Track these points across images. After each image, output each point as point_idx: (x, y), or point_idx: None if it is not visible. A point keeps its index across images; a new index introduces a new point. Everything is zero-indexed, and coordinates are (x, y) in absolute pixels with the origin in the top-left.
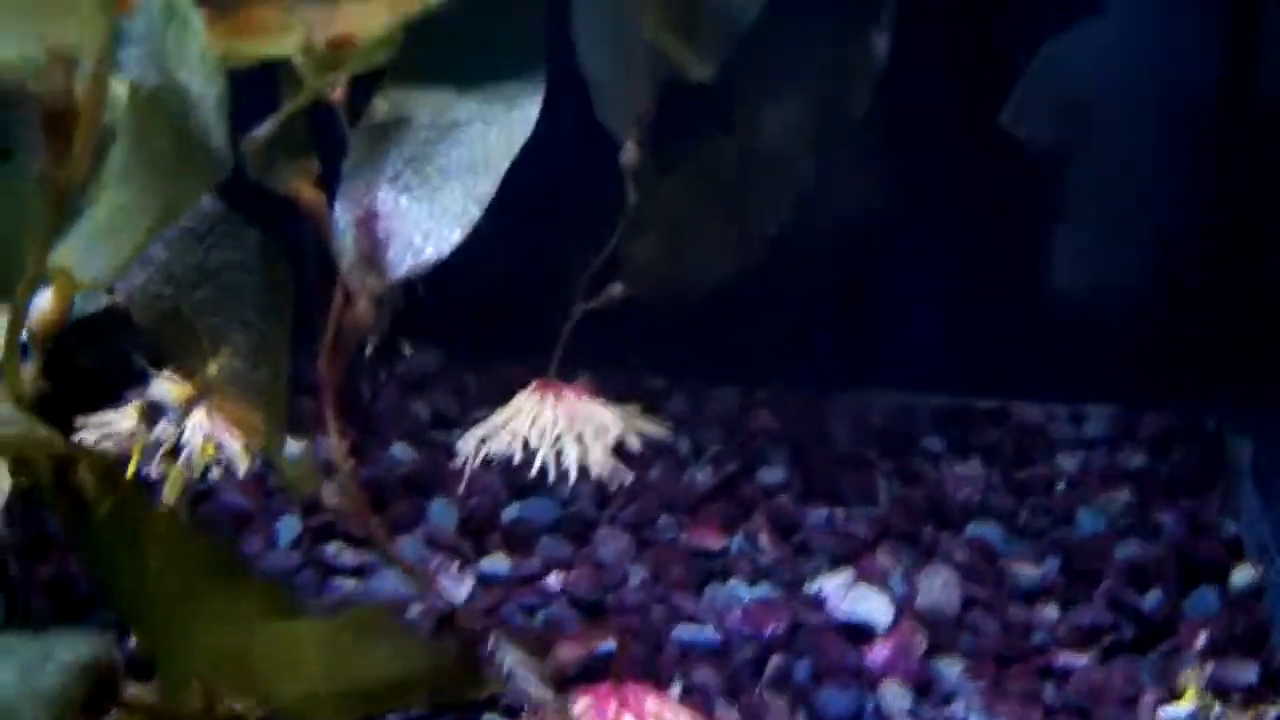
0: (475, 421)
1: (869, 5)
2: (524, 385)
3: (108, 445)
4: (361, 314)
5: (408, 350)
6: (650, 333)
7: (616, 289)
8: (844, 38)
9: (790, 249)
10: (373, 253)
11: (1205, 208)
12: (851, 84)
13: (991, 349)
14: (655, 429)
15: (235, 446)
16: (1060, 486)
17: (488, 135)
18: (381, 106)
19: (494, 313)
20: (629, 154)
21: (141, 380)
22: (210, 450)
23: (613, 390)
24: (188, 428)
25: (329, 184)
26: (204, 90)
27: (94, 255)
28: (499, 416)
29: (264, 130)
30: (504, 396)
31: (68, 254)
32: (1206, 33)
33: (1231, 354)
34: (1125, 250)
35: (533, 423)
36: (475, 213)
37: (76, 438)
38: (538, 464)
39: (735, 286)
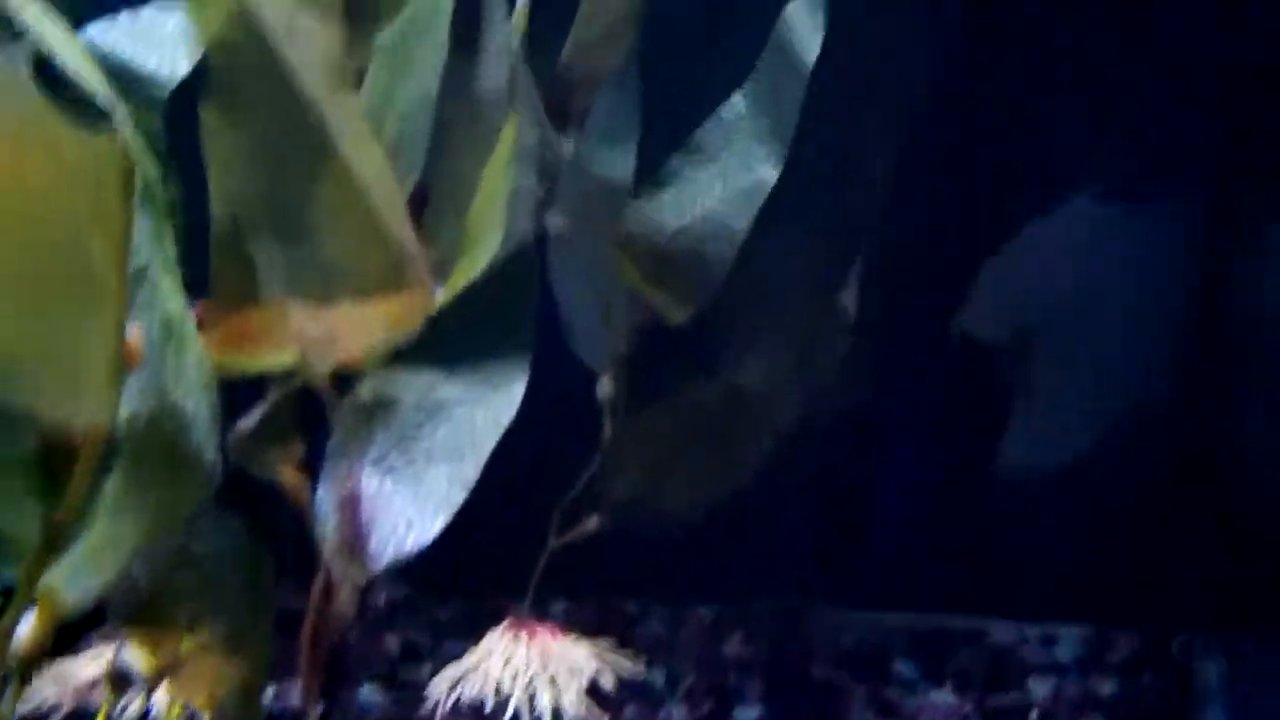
0: (447, 656)
1: (842, 252)
2: (495, 616)
3: (66, 698)
4: (343, 605)
5: (382, 599)
6: (621, 557)
7: (592, 523)
8: (818, 285)
9: (762, 470)
10: (354, 541)
11: (1172, 423)
12: (825, 329)
13: (964, 569)
14: (629, 665)
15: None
16: (1033, 717)
17: (474, 417)
18: (366, 388)
19: (464, 544)
20: (605, 389)
21: (103, 622)
22: (177, 711)
23: (585, 618)
24: (155, 697)
25: (311, 463)
26: (197, 409)
27: (82, 578)
28: (471, 657)
29: (250, 421)
30: (476, 628)
31: (55, 577)
32: (1164, 236)
33: (1200, 577)
34: (1091, 468)
35: (505, 664)
36: (459, 497)
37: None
38: (511, 709)
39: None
